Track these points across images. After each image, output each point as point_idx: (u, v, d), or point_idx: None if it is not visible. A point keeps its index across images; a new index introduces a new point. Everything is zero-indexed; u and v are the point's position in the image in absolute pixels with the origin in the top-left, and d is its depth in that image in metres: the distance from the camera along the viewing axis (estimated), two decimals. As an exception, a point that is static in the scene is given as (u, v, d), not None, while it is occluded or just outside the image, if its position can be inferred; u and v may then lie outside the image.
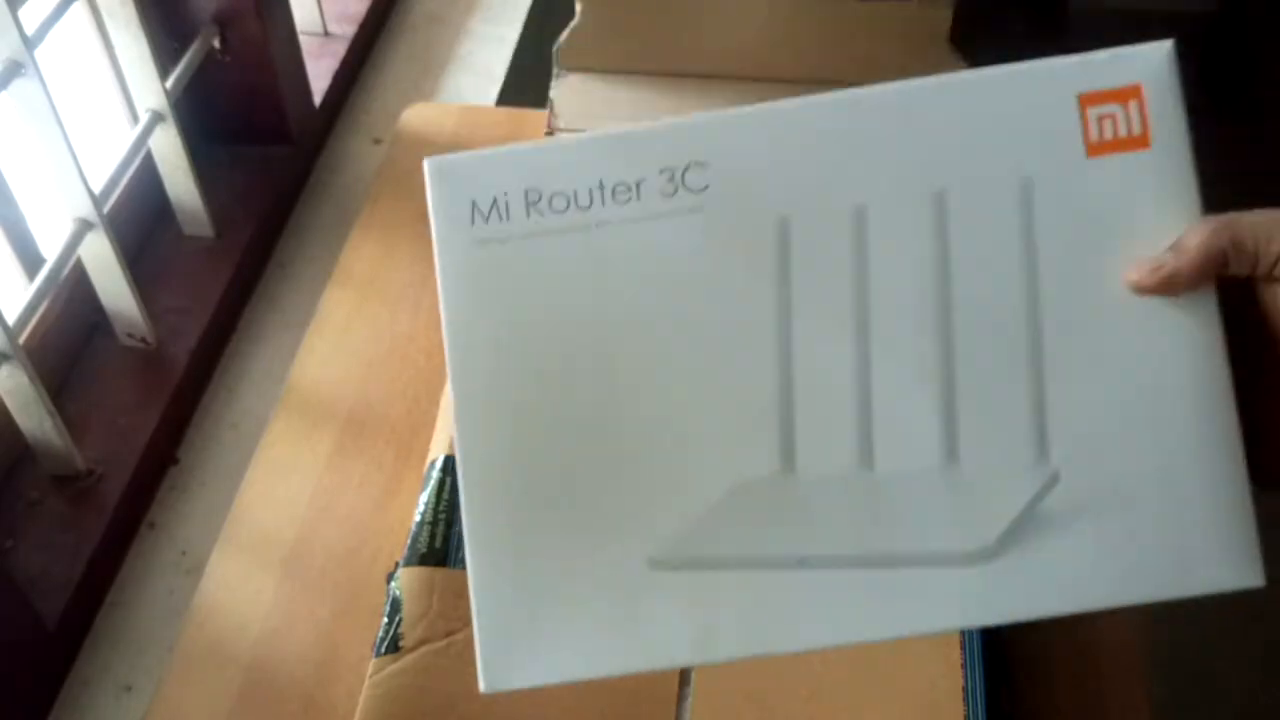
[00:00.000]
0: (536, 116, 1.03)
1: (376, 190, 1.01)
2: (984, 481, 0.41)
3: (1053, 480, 0.41)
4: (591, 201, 0.42)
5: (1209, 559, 0.41)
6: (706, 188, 0.42)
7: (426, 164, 0.43)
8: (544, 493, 0.42)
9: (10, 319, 0.74)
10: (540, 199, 0.42)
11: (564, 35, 1.03)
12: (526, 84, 1.15)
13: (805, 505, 0.42)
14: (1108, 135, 0.41)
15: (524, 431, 0.42)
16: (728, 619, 0.41)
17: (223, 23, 0.98)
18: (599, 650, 0.42)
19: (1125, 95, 0.41)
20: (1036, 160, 0.42)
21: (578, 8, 1.01)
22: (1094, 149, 0.42)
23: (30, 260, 0.83)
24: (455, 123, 1.07)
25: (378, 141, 1.12)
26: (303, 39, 1.09)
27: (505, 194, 0.42)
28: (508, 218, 0.42)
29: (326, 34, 1.17)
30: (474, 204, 0.42)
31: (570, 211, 0.42)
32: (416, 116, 1.08)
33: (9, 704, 0.71)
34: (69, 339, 0.87)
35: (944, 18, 0.97)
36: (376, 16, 1.24)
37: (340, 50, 1.16)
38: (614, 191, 0.42)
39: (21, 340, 0.76)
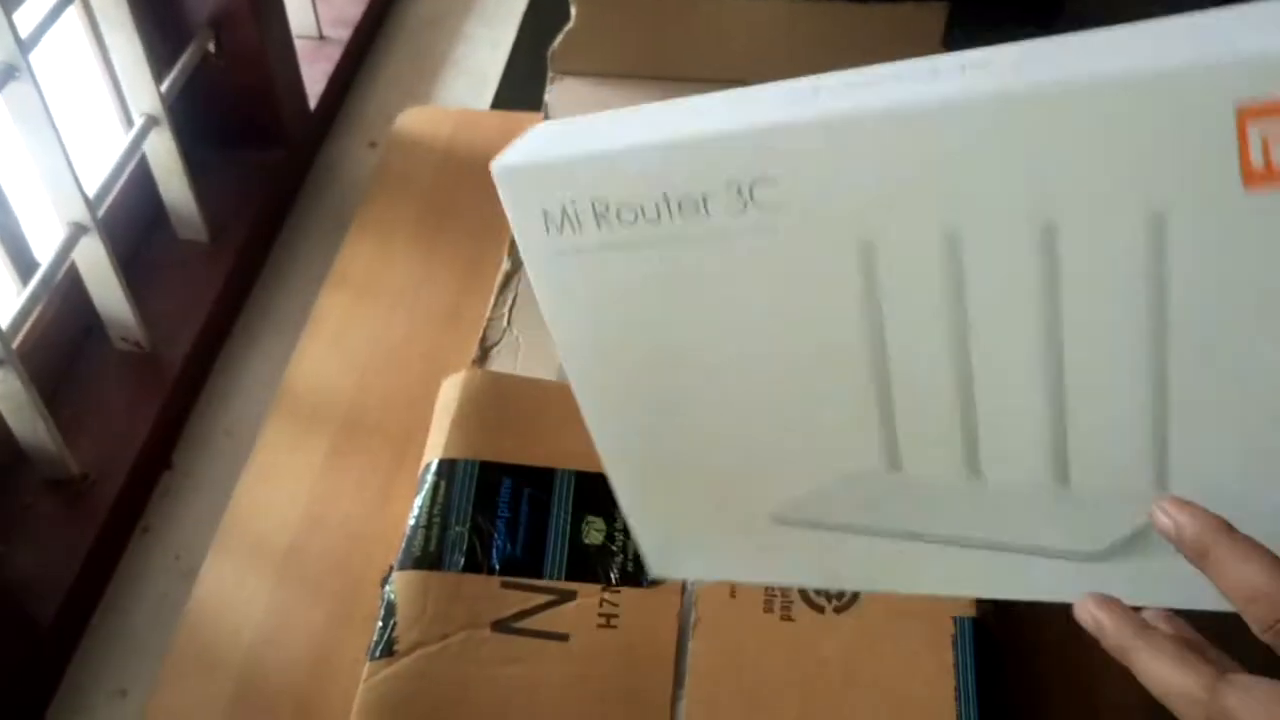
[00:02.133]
0: (531, 120, 1.03)
1: (372, 194, 1.01)
2: (1095, 502, 0.39)
3: None
4: (659, 215, 0.39)
5: None
6: (778, 206, 0.37)
7: (494, 166, 0.40)
8: (664, 446, 0.45)
9: (4, 323, 0.74)
10: (608, 210, 0.39)
11: (558, 39, 1.03)
12: (521, 87, 1.15)
13: (913, 495, 0.42)
14: (1277, 162, 0.31)
15: (636, 402, 0.45)
16: (850, 564, 0.44)
17: (218, 26, 0.98)
18: (743, 564, 0.47)
19: None
20: (1173, 190, 0.33)
21: (572, 11, 1.01)
22: (1253, 178, 0.32)
23: (24, 264, 0.83)
24: (450, 126, 1.07)
25: (373, 145, 1.12)
26: (298, 43, 1.09)
27: (573, 203, 0.40)
28: (579, 229, 0.40)
29: (322, 38, 1.17)
30: (545, 213, 0.40)
31: (640, 224, 0.39)
32: (411, 120, 1.08)
33: (2, 708, 0.71)
34: (63, 343, 0.87)
35: (937, 20, 0.97)
36: (372, 20, 1.24)
37: (335, 54, 1.16)
38: (680, 206, 0.38)
39: (15, 344, 0.76)
